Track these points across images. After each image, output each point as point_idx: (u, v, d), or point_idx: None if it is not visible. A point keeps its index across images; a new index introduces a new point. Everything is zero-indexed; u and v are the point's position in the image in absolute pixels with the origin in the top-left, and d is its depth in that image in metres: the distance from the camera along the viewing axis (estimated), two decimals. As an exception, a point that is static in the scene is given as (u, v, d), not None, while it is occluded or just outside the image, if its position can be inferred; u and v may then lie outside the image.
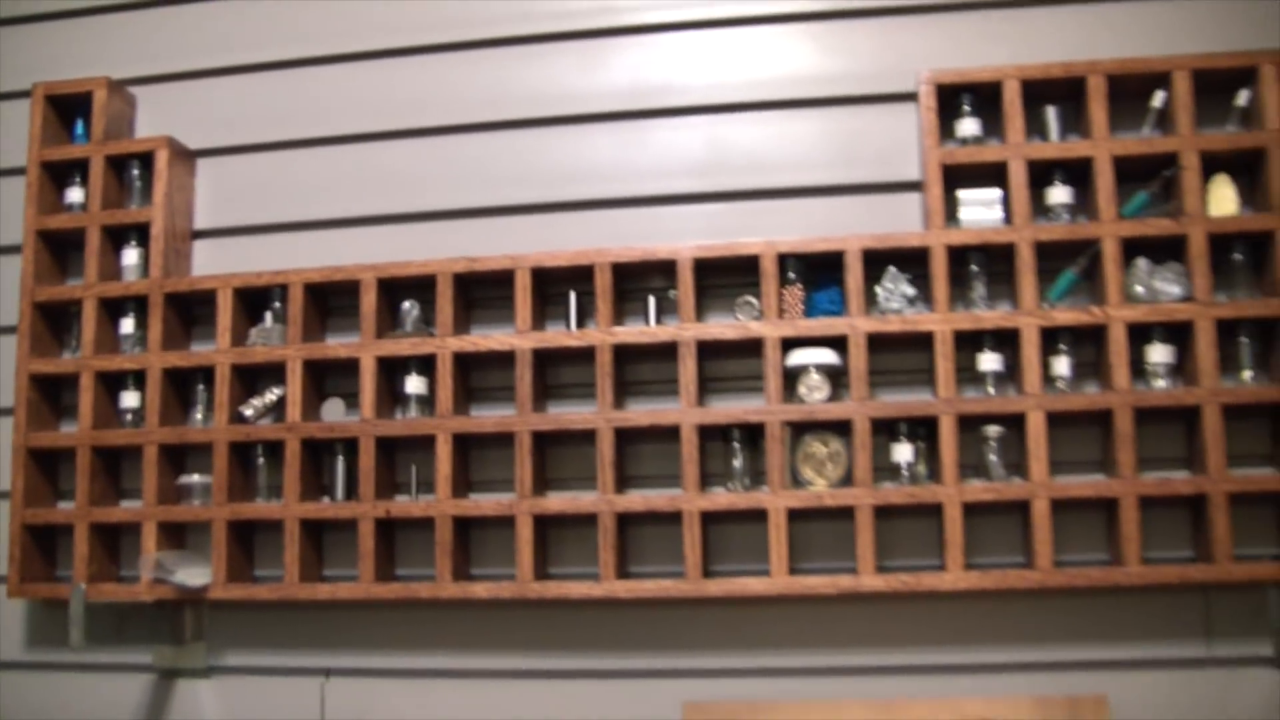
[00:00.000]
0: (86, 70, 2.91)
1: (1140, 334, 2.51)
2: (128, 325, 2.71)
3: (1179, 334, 2.49)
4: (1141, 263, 2.50)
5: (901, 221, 2.63)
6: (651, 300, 2.63)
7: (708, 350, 2.58)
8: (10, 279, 2.83)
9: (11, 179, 2.88)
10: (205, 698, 2.70)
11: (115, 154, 2.78)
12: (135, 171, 2.77)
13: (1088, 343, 2.56)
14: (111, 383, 2.71)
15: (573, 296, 2.63)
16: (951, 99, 2.60)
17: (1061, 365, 2.51)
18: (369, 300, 2.60)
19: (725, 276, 2.64)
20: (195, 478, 2.64)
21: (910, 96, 2.63)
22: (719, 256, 2.56)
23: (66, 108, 2.83)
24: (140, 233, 2.74)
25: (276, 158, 2.87)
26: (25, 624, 2.78)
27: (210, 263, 2.81)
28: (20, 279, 2.76)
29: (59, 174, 2.81)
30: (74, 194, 2.78)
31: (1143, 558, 2.42)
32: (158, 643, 2.68)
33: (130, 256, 2.72)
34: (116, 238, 2.76)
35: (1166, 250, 2.52)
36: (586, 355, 2.59)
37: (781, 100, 2.74)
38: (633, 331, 2.56)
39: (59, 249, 2.80)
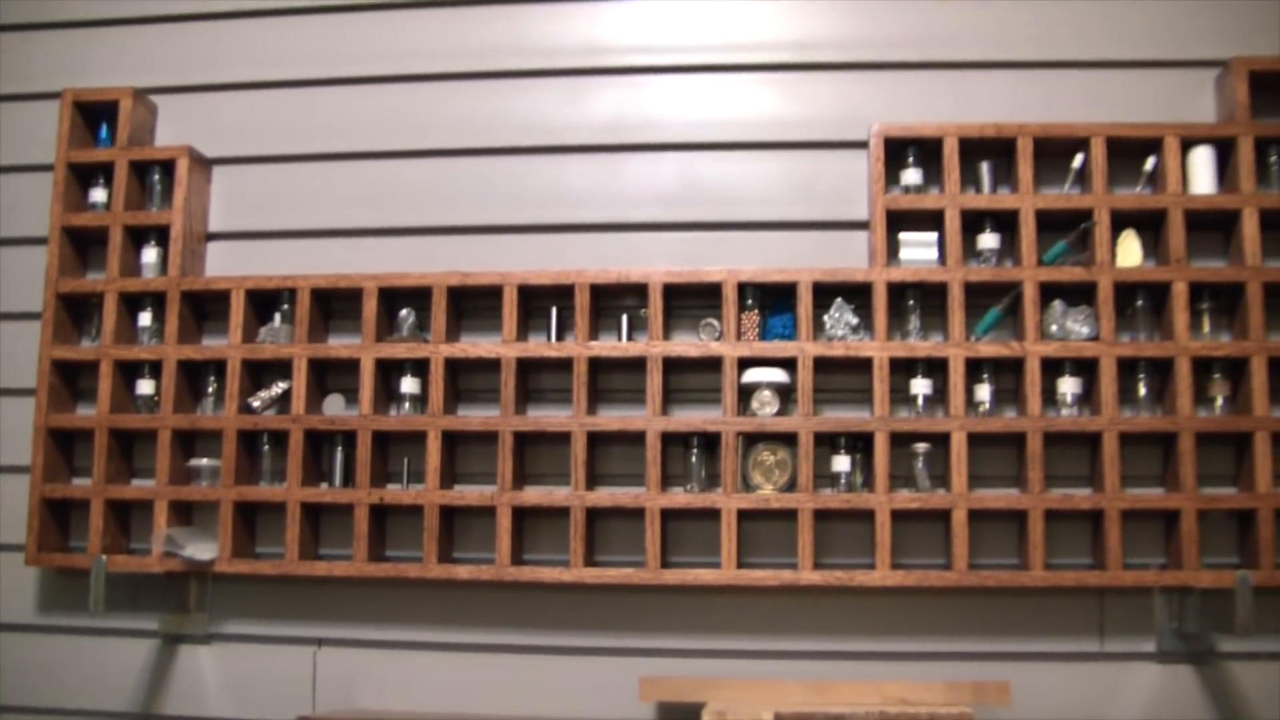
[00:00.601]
0: (109, 76, 3.06)
1: (1053, 367, 2.72)
2: (145, 319, 2.88)
3: (1086, 368, 2.71)
4: (1057, 304, 2.73)
5: (849, 257, 2.82)
6: (624, 318, 2.81)
7: (672, 365, 2.77)
8: (33, 268, 2.96)
9: (38, 175, 3.00)
10: (205, 662, 2.85)
11: (139, 159, 2.93)
12: (156, 176, 2.94)
13: (1007, 372, 2.76)
14: (128, 371, 2.87)
15: (554, 312, 2.82)
16: (898, 150, 2.80)
17: (983, 392, 2.71)
18: (370, 307, 2.79)
19: (690, 299, 2.83)
20: (204, 461, 2.81)
21: (861, 145, 2.83)
22: (686, 282, 2.75)
23: (92, 113, 2.99)
24: (160, 233, 2.90)
25: (287, 169, 3.01)
26: (38, 590, 2.92)
27: (222, 264, 2.98)
28: (45, 271, 2.89)
29: (83, 174, 2.96)
30: (97, 194, 2.94)
31: (1046, 563, 2.63)
32: (163, 611, 2.83)
33: (150, 255, 2.90)
34: (136, 237, 2.93)
35: (1079, 294, 2.75)
36: (565, 365, 2.77)
37: (747, 141, 2.92)
38: (606, 346, 2.75)
39: (81, 244, 2.96)
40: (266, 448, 2.83)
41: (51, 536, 2.85)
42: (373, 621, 2.83)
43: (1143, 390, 2.73)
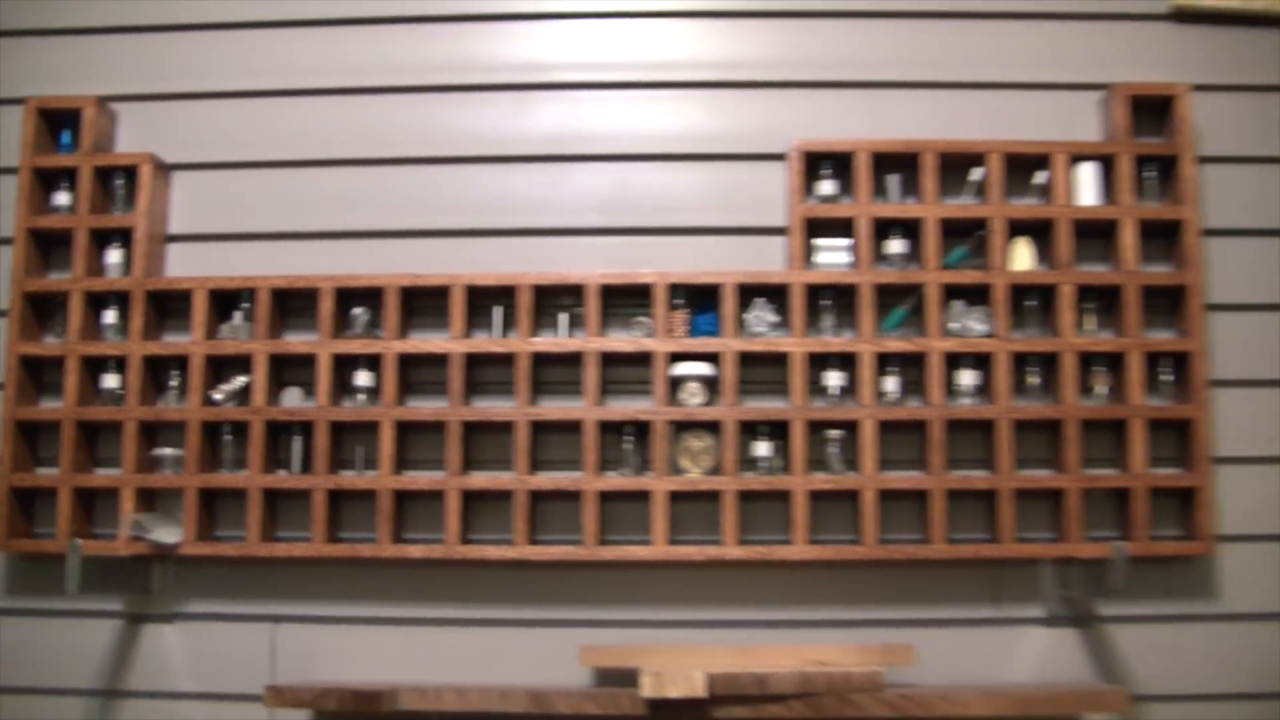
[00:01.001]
0: (71, 83, 3.14)
1: (953, 361, 2.89)
2: (110, 316, 2.99)
3: (983, 362, 2.89)
4: (957, 304, 2.92)
5: (768, 260, 2.98)
6: (563, 316, 2.95)
7: (608, 360, 2.92)
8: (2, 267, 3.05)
9: (2, 178, 3.08)
10: (169, 640, 2.94)
11: (103, 165, 3.03)
12: (119, 181, 3.05)
13: (912, 366, 2.92)
14: (93, 366, 2.97)
15: (498, 310, 2.95)
16: (814, 163, 2.96)
17: (891, 383, 2.89)
18: (326, 305, 2.92)
19: (624, 299, 2.96)
20: (168, 450, 2.93)
21: (781, 158, 2.99)
22: (620, 283, 2.90)
23: (55, 119, 3.07)
24: (123, 236, 3.01)
25: (245, 175, 3.09)
26: (4, 574, 2.99)
27: (182, 264, 3.07)
28: (11, 271, 2.98)
29: (47, 178, 3.05)
30: (61, 197, 3.04)
31: (947, 538, 2.81)
32: (129, 592, 2.92)
33: (114, 256, 3.01)
34: (100, 238, 3.02)
35: (977, 295, 2.93)
36: (508, 360, 2.91)
37: (677, 153, 3.06)
38: (547, 342, 2.90)
39: (45, 244, 3.05)
40: (228, 437, 2.95)
41: (19, 523, 2.94)
42: (330, 599, 2.93)
43: (1033, 381, 2.92)
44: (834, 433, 2.91)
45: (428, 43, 3.15)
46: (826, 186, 2.98)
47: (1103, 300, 2.97)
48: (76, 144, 3.07)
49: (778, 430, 2.91)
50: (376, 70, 3.14)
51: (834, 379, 2.92)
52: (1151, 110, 3.03)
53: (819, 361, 2.93)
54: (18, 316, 2.99)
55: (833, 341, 2.91)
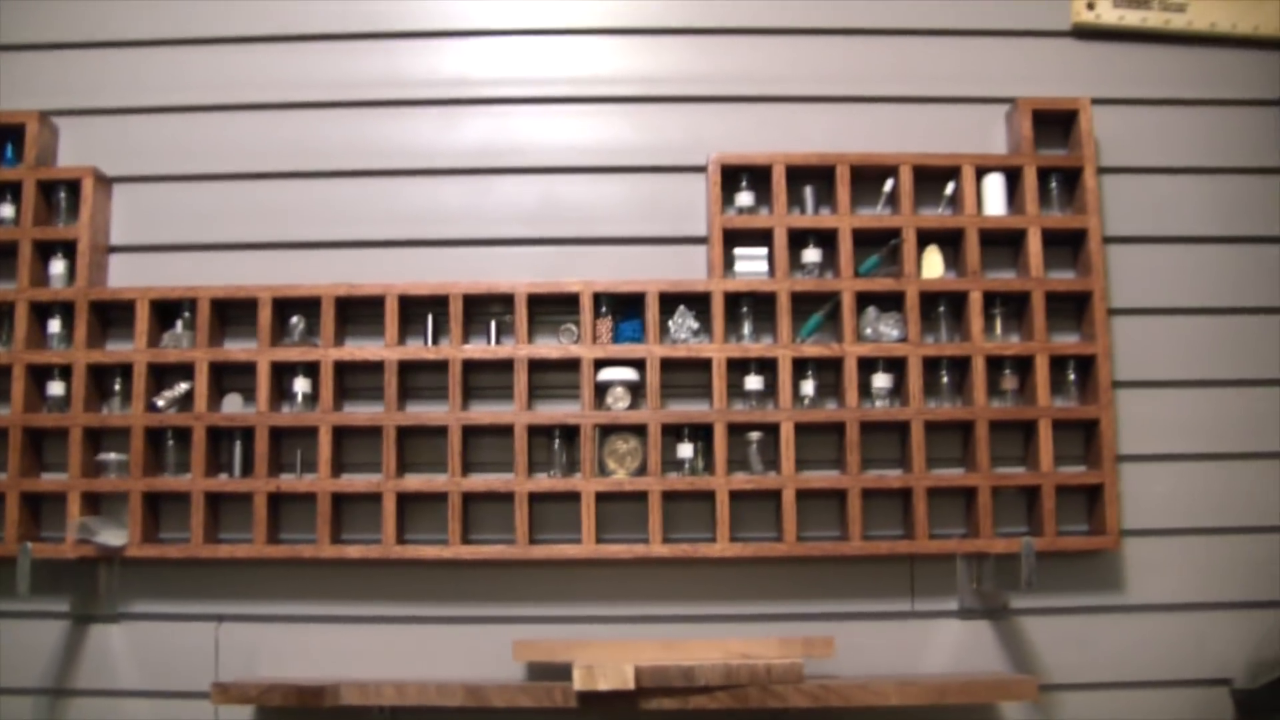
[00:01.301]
0: (14, 97, 3.19)
1: (867, 365, 2.98)
2: (55, 325, 3.05)
3: (896, 366, 2.99)
4: (871, 310, 3.02)
5: (690, 269, 3.07)
6: (493, 324, 3.03)
7: (536, 365, 2.99)
8: None
9: None
10: (114, 639, 3.00)
11: (46, 179, 3.09)
12: (62, 194, 3.11)
13: (828, 370, 3.02)
14: (38, 374, 3.03)
15: (430, 318, 3.03)
16: (733, 175, 3.04)
17: (808, 387, 2.98)
18: (264, 314, 2.99)
19: (551, 307, 3.04)
20: (112, 455, 3.00)
21: (701, 170, 3.08)
22: (547, 292, 2.98)
23: None
24: (67, 247, 3.07)
25: (184, 187, 3.15)
26: None
27: (124, 275, 3.13)
28: None
29: None
30: (5, 209, 3.09)
31: (864, 534, 2.90)
32: (75, 593, 2.98)
33: (58, 267, 3.07)
34: (44, 249, 3.08)
35: (890, 301, 3.03)
36: (441, 366, 2.98)
37: (601, 166, 3.13)
38: (478, 349, 2.99)
39: None
40: (171, 443, 3.03)
41: (-33, 527, 3.00)
42: (271, 598, 2.99)
43: (945, 384, 3.03)
44: (754, 434, 3.00)
45: (358, 59, 3.22)
46: (744, 198, 3.07)
47: (1010, 306, 3.08)
48: (19, 158, 3.13)
49: (700, 432, 3.00)
50: (309, 85, 3.21)
51: (753, 383, 3.00)
52: (1055, 123, 3.14)
53: (739, 366, 3.01)
54: (-36, 327, 3.05)
55: (752, 347, 3.00)
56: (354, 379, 3.11)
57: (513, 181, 3.17)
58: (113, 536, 2.96)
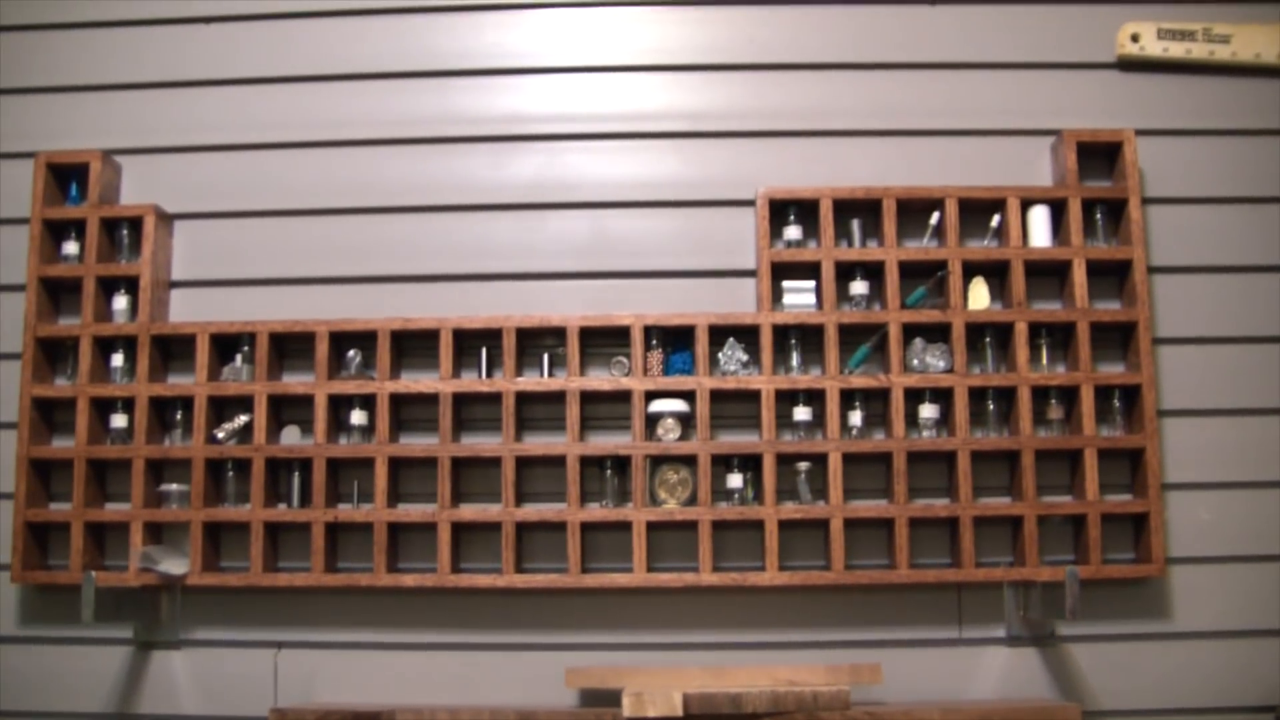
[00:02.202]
0: (78, 137, 3.27)
1: (914, 395, 3.01)
2: (118, 359, 3.12)
3: (943, 396, 3.01)
4: (918, 341, 3.04)
5: (739, 302, 3.11)
6: (545, 356, 3.08)
7: (588, 397, 3.03)
8: (12, 313, 3.19)
9: (13, 228, 3.23)
10: (177, 665, 3.06)
11: (109, 216, 3.17)
12: (125, 231, 3.19)
13: (876, 400, 3.04)
14: (102, 406, 3.11)
15: (484, 351, 3.09)
16: (780, 209, 3.08)
17: (855, 417, 3.01)
18: (322, 349, 3.05)
19: (602, 340, 3.08)
20: (174, 486, 3.07)
21: (748, 204, 3.12)
22: (599, 325, 3.03)
23: (64, 172, 3.21)
24: (129, 283, 3.14)
25: (243, 223, 3.22)
26: (19, 605, 3.11)
27: (185, 309, 3.20)
28: (24, 316, 3.12)
29: (56, 228, 3.19)
30: (70, 247, 3.17)
31: (911, 563, 2.93)
32: (138, 620, 3.05)
33: (120, 302, 3.15)
34: (107, 285, 3.16)
35: (936, 332, 3.06)
36: (495, 398, 3.04)
37: (650, 200, 3.18)
38: (531, 381, 3.03)
39: (54, 291, 3.19)
40: (231, 474, 3.09)
41: (33, 556, 3.08)
42: (328, 625, 3.04)
43: (991, 413, 3.05)
44: (802, 465, 3.03)
45: (413, 97, 3.28)
46: (792, 231, 3.11)
47: (1056, 336, 3.09)
48: (84, 196, 3.21)
49: (749, 463, 3.03)
50: (365, 123, 3.27)
51: (802, 413, 3.03)
52: (1100, 155, 3.17)
53: (787, 397, 3.04)
54: (30, 360, 3.12)
55: (800, 379, 3.03)
56: (409, 411, 3.16)
57: (564, 216, 3.22)
58: (174, 565, 3.02)
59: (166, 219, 3.25)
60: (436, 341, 3.08)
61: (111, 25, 3.37)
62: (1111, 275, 3.14)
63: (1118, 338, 3.12)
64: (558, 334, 3.10)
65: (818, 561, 3.06)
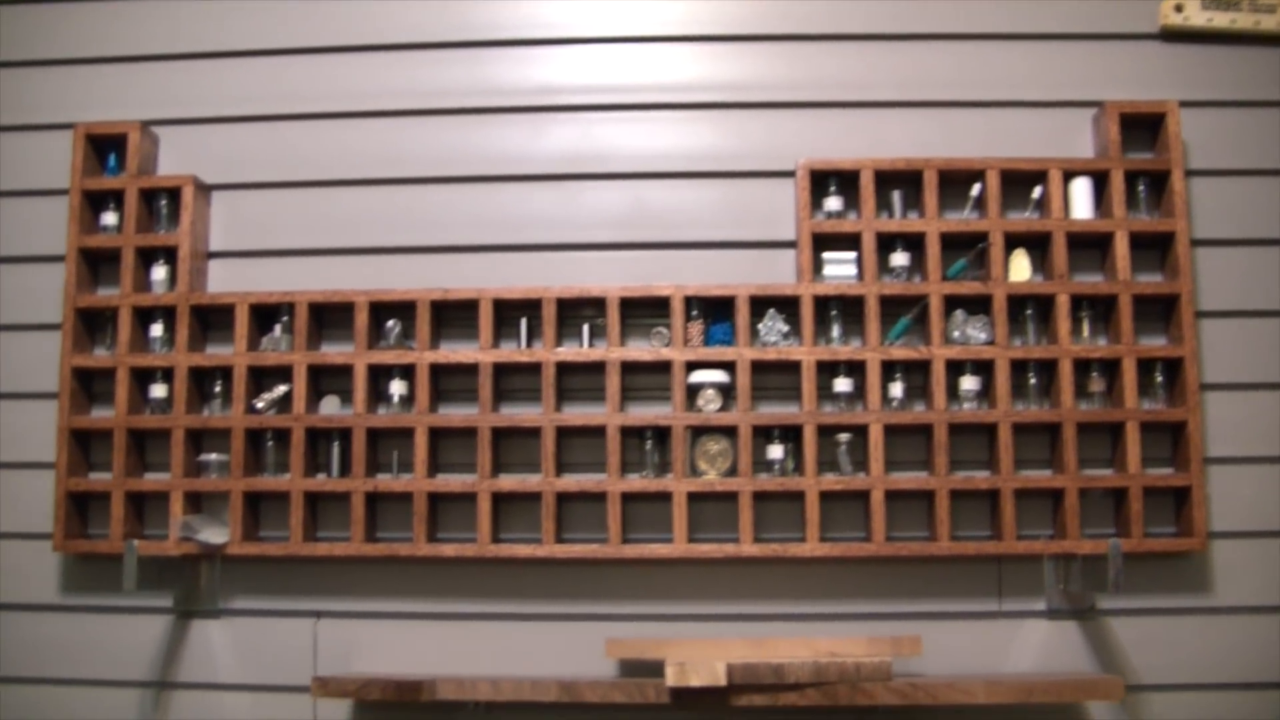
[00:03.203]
0: (113, 108, 3.29)
1: (955, 367, 3.01)
2: (157, 330, 3.13)
3: (984, 368, 3.02)
4: (958, 313, 3.05)
5: (777, 273, 3.11)
6: (585, 327, 3.08)
7: (628, 368, 3.05)
8: (52, 284, 3.19)
9: (52, 199, 3.24)
10: (216, 635, 3.08)
11: (147, 187, 3.18)
12: (163, 202, 3.20)
13: (916, 372, 3.06)
14: (141, 376, 3.12)
15: (524, 322, 3.09)
16: (820, 180, 3.08)
17: (896, 389, 3.02)
18: (361, 319, 3.06)
19: (642, 310, 3.10)
20: (213, 456, 3.08)
21: (788, 174, 3.13)
22: (639, 296, 3.03)
23: (102, 143, 3.22)
24: (168, 253, 3.16)
25: (280, 194, 3.23)
26: (61, 574, 3.14)
27: (223, 280, 3.21)
28: (64, 287, 3.13)
29: (95, 199, 3.20)
30: (108, 217, 3.19)
31: (952, 535, 2.94)
32: (178, 589, 3.06)
33: (159, 273, 3.16)
34: (146, 256, 3.17)
35: (977, 305, 3.06)
36: (534, 369, 3.04)
37: (688, 171, 3.18)
38: (570, 352, 3.03)
39: (94, 262, 3.21)
40: (270, 443, 3.10)
41: (74, 525, 3.10)
42: (368, 595, 3.07)
43: (1032, 386, 3.04)
44: (843, 436, 3.04)
45: (449, 67, 3.28)
46: (833, 202, 3.10)
47: (1097, 309, 3.09)
48: (122, 167, 3.22)
49: (790, 434, 3.04)
50: (402, 94, 3.28)
51: (842, 385, 3.04)
52: (1142, 126, 3.15)
53: (828, 369, 3.06)
54: (70, 330, 3.14)
55: (841, 350, 3.03)
56: (448, 381, 3.17)
57: (601, 187, 3.23)
58: (214, 534, 3.03)
59: (204, 189, 3.26)
60: (474, 312, 3.09)
61: (148, -2, 3.39)
62: (1154, 248, 3.13)
63: (1160, 310, 3.11)
64: (597, 304, 3.10)
65: (858, 533, 3.06)
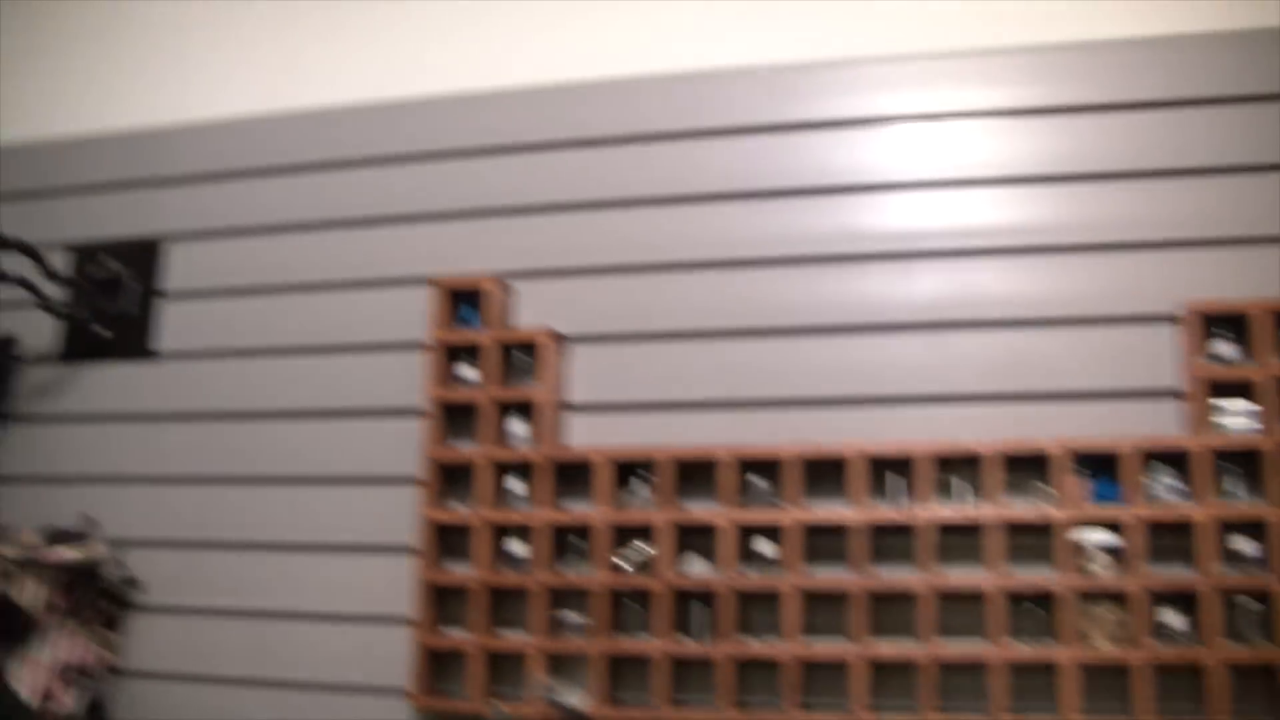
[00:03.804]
0: (471, 261, 3.37)
1: None
2: (517, 485, 3.15)
3: None
4: None
5: (1157, 423, 2.93)
6: (952, 482, 2.97)
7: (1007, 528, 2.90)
8: (406, 437, 3.26)
9: (404, 353, 3.33)
10: None
11: (504, 340, 3.21)
12: (521, 355, 3.22)
13: None
14: (497, 530, 3.14)
15: (895, 479, 2.98)
16: (1207, 323, 2.92)
17: None
18: (727, 476, 3.02)
19: (1015, 465, 2.94)
20: (573, 616, 3.05)
21: (1165, 318, 2.97)
22: (1017, 451, 2.90)
23: (457, 296, 3.29)
24: (525, 406, 3.18)
25: (639, 346, 3.23)
26: None
27: (580, 433, 3.21)
28: (421, 440, 3.19)
29: (451, 351, 3.26)
30: (464, 370, 3.24)
31: None
32: None
33: (518, 426, 3.17)
34: (504, 409, 3.20)
35: None
36: (904, 528, 2.94)
37: (1062, 317, 3.03)
38: (948, 512, 2.91)
39: (449, 413, 3.25)
40: (633, 605, 3.06)
41: (429, 681, 3.11)
42: None
43: None
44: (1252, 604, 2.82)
45: (809, 213, 3.23)
46: (1224, 348, 2.93)
47: None
48: (477, 319, 3.26)
49: (1182, 600, 2.84)
50: (761, 243, 3.24)
51: (1246, 545, 2.84)
52: None
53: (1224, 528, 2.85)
54: (431, 484, 3.18)
55: (1242, 507, 2.84)
56: (816, 540, 3.05)
57: (968, 335, 3.11)
58: (578, 699, 2.97)
59: (562, 341, 3.26)
60: (838, 468, 3.00)
61: (502, 152, 3.44)
62: None
63: None
64: (970, 461, 2.97)
65: (1264, 716, 2.79)
